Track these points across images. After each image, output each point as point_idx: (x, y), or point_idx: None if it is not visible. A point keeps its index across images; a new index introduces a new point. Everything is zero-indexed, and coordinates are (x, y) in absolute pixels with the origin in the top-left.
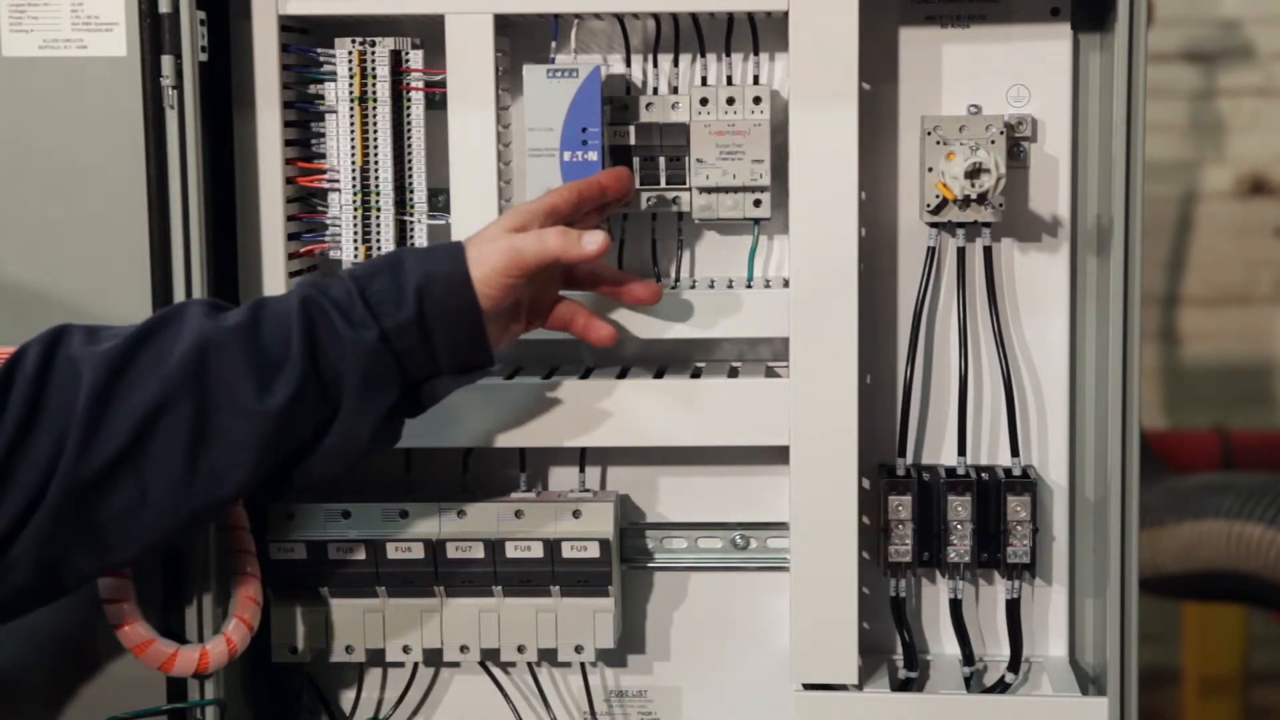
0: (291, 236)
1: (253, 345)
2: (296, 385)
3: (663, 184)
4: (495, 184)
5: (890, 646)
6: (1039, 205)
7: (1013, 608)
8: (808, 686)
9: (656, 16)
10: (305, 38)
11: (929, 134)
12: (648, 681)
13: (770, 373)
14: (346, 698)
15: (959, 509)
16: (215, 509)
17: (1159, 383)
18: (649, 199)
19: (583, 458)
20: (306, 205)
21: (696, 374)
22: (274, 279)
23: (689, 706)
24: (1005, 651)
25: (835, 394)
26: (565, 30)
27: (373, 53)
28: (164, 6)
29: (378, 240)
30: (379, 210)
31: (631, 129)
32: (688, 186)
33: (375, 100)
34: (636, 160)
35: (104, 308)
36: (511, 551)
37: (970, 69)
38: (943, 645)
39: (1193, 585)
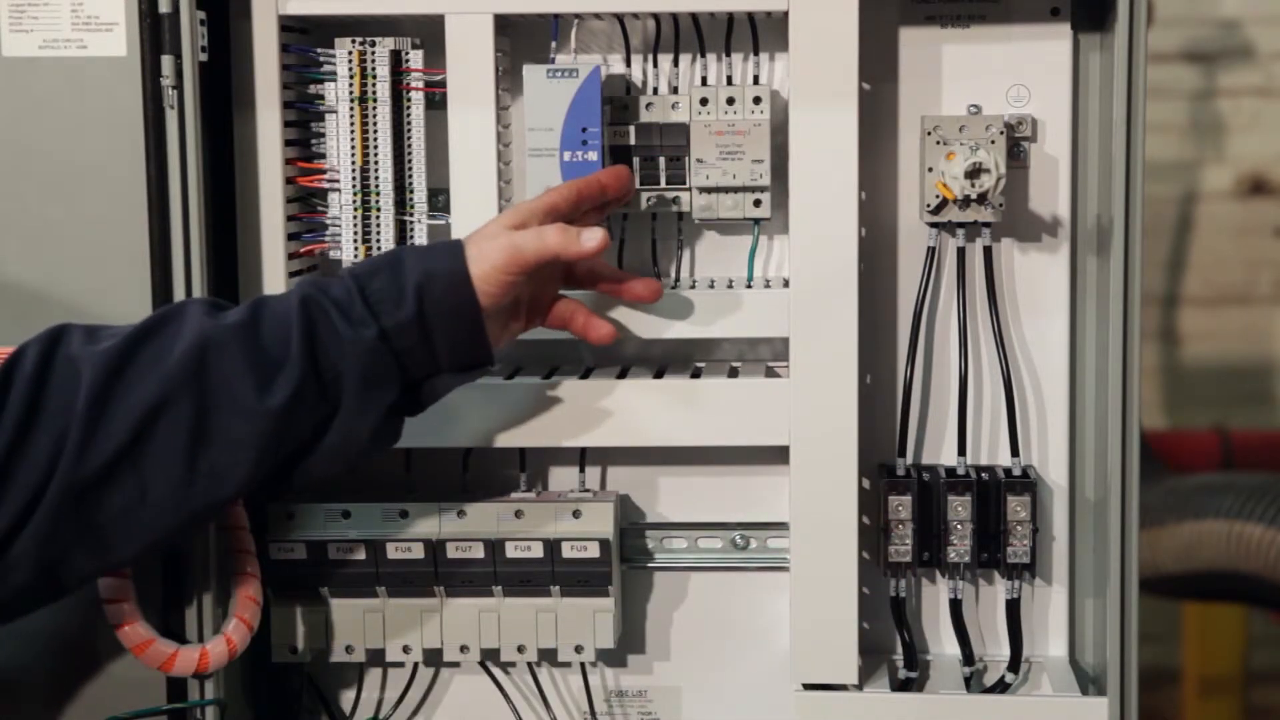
0: (291, 236)
1: (252, 344)
2: (296, 384)
3: (663, 184)
4: (495, 184)
5: (890, 646)
6: (1039, 205)
7: (1013, 608)
8: (808, 686)
9: (656, 16)
10: (305, 38)
11: (929, 134)
12: (648, 681)
13: (770, 373)
14: (346, 698)
15: (959, 509)
16: (215, 508)
17: (1159, 383)
18: (649, 199)
19: (583, 458)
20: (306, 205)
21: (696, 374)
22: (274, 279)
23: (689, 706)
24: (1005, 651)
25: (835, 394)
26: (565, 30)
27: (373, 53)
28: (164, 6)
29: (378, 240)
30: (379, 210)
31: (631, 129)
32: (688, 186)
33: (375, 100)
34: (636, 160)
35: (104, 308)
36: (511, 551)
37: (970, 69)
38: (943, 645)
39: (1193, 585)
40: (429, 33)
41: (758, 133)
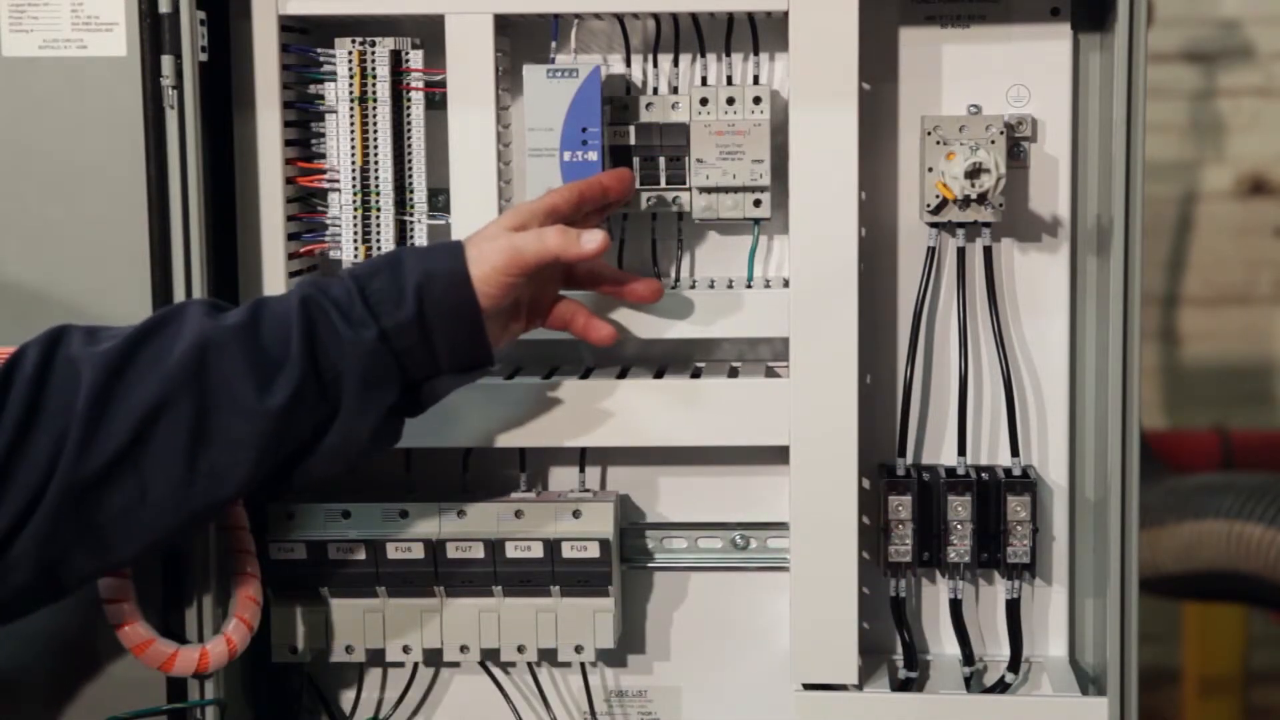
0: (291, 236)
1: (252, 345)
2: (296, 384)
3: (663, 184)
4: (495, 184)
5: (890, 646)
6: (1039, 205)
7: (1013, 608)
8: (808, 686)
9: (656, 16)
10: (305, 38)
11: (929, 134)
12: (648, 681)
13: (770, 373)
14: (346, 698)
15: (959, 509)
16: (215, 509)
17: (1159, 383)
18: (649, 199)
19: (583, 458)
20: (306, 205)
21: (696, 374)
22: (274, 279)
23: (689, 706)
24: (1005, 651)
25: (835, 394)
26: (565, 30)
27: (373, 53)
28: (164, 6)
29: (378, 240)
30: (379, 210)
31: (631, 129)
32: (688, 186)
33: (375, 100)
34: (636, 160)
35: (104, 308)
36: (511, 551)
37: (970, 69)
38: (943, 645)
39: (1193, 585)
40: (429, 33)
41: (758, 133)
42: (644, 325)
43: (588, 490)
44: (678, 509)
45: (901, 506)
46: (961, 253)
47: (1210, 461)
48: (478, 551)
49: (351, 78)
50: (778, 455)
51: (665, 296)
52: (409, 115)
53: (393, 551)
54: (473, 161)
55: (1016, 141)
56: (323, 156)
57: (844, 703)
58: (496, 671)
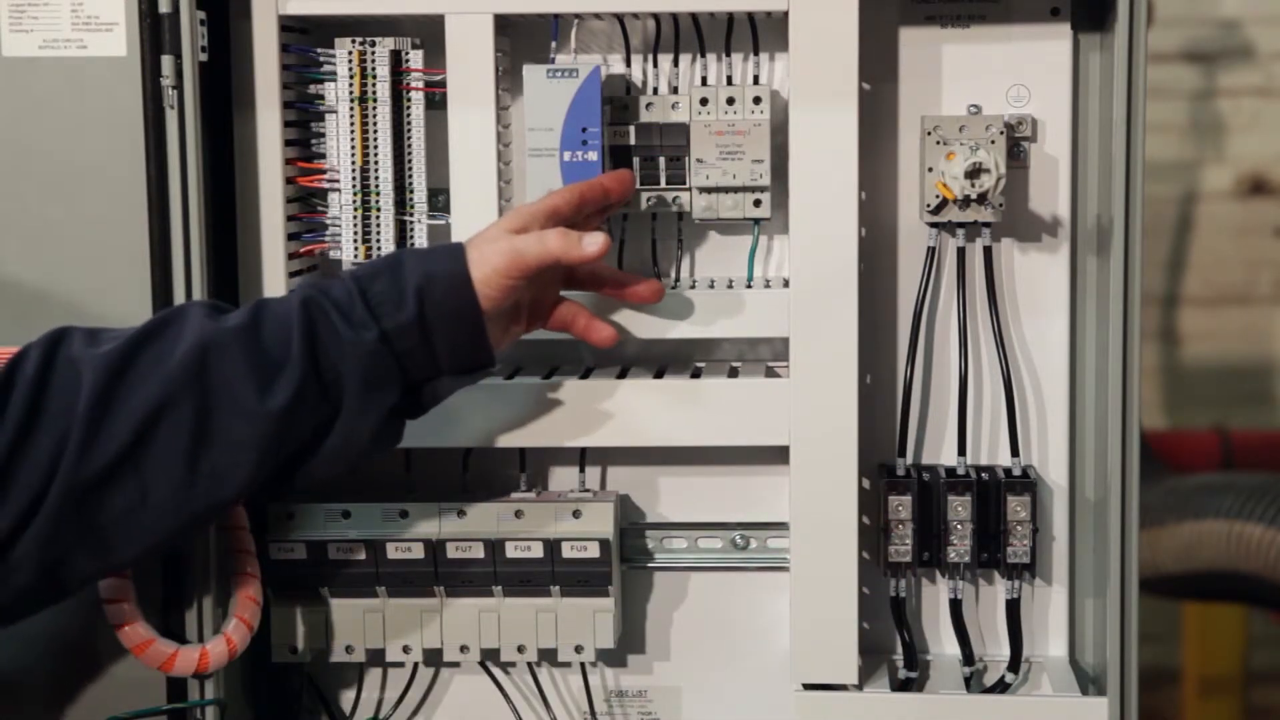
0: (291, 236)
1: (253, 346)
2: (297, 386)
3: (663, 184)
4: (495, 184)
5: (890, 646)
6: (1039, 205)
7: (1013, 608)
8: (808, 686)
9: (656, 16)
10: (305, 38)
11: (929, 134)
12: (648, 681)
13: (770, 373)
14: (346, 698)
15: (959, 509)
16: (217, 510)
17: (1159, 383)
18: (649, 199)
19: (583, 458)
20: (306, 205)
21: (697, 374)
22: (274, 279)
23: (689, 706)
24: (1005, 651)
25: (835, 394)
26: (565, 30)
27: (373, 53)
28: (164, 6)
29: (378, 240)
30: (379, 210)
31: (631, 129)
32: (688, 186)
33: (375, 100)
34: (636, 160)
35: (104, 308)
36: (511, 551)
37: (970, 69)
38: (943, 645)
39: (1193, 585)
40: (429, 33)
41: (758, 133)
42: (644, 326)
43: (588, 490)
44: (678, 509)
45: (901, 506)
46: (961, 253)
47: (1210, 461)
48: (478, 551)
49: (351, 78)
50: (778, 455)
51: (665, 297)
52: (409, 115)
53: (393, 551)
54: (473, 161)
55: (1016, 141)
56: (323, 156)
57: (844, 703)
58: (496, 671)
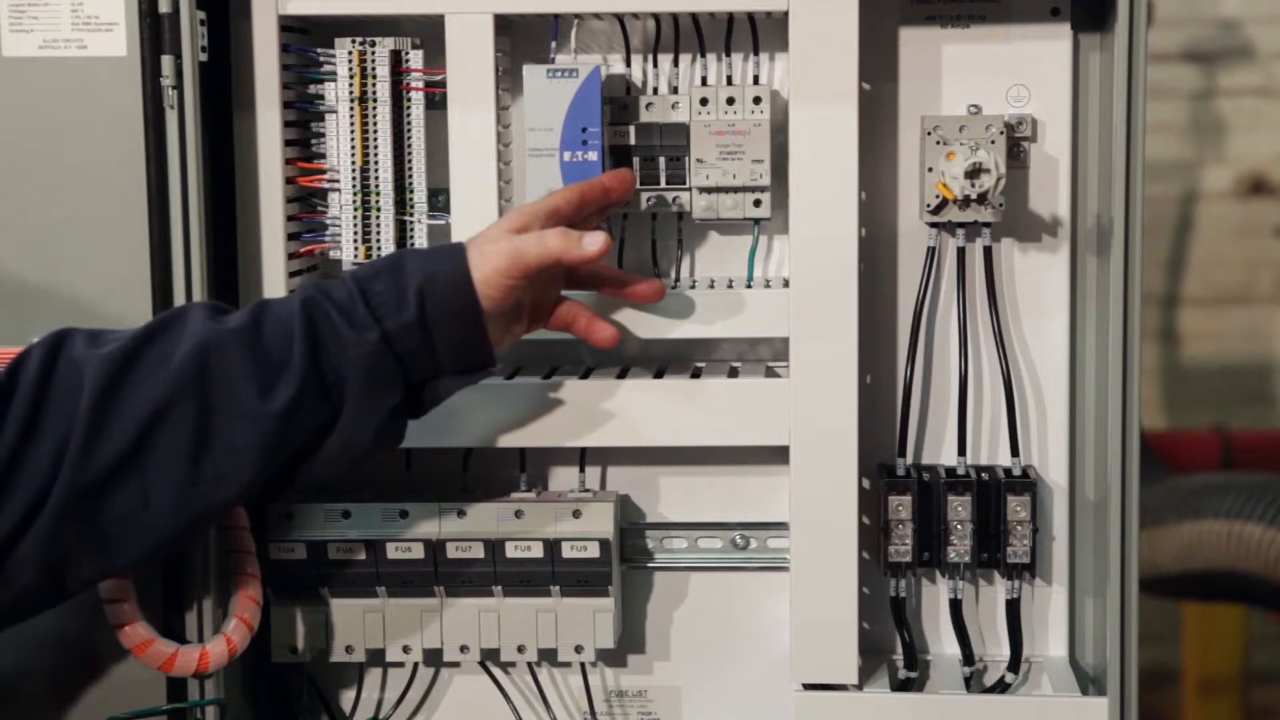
0: (291, 236)
1: (254, 347)
2: (298, 387)
3: (663, 184)
4: (495, 184)
5: (890, 646)
6: (1039, 205)
7: (1013, 608)
8: (808, 686)
9: (656, 16)
10: (305, 38)
11: (929, 134)
12: (648, 681)
13: (770, 373)
14: (346, 698)
15: (959, 509)
16: (219, 511)
17: (1159, 383)
18: (649, 199)
19: (583, 458)
20: (306, 205)
21: (697, 374)
22: (274, 279)
23: (689, 706)
24: (1005, 651)
25: (835, 394)
26: (565, 30)
27: (373, 53)
28: (164, 6)
29: (378, 240)
30: (379, 210)
31: (631, 129)
32: (688, 186)
33: (375, 100)
34: (636, 160)
35: (104, 308)
36: (511, 551)
37: (970, 69)
38: (943, 645)
39: (1193, 585)
40: (429, 33)
41: (758, 133)
42: (644, 325)
43: (588, 490)
44: (678, 509)
45: (901, 506)
46: (961, 253)
47: (1210, 461)
48: (478, 551)
49: (351, 78)
50: (778, 455)
51: (666, 297)
52: (409, 115)
53: (393, 551)
54: (473, 161)
55: (1016, 141)
56: (323, 156)
57: (844, 703)
58: (496, 671)
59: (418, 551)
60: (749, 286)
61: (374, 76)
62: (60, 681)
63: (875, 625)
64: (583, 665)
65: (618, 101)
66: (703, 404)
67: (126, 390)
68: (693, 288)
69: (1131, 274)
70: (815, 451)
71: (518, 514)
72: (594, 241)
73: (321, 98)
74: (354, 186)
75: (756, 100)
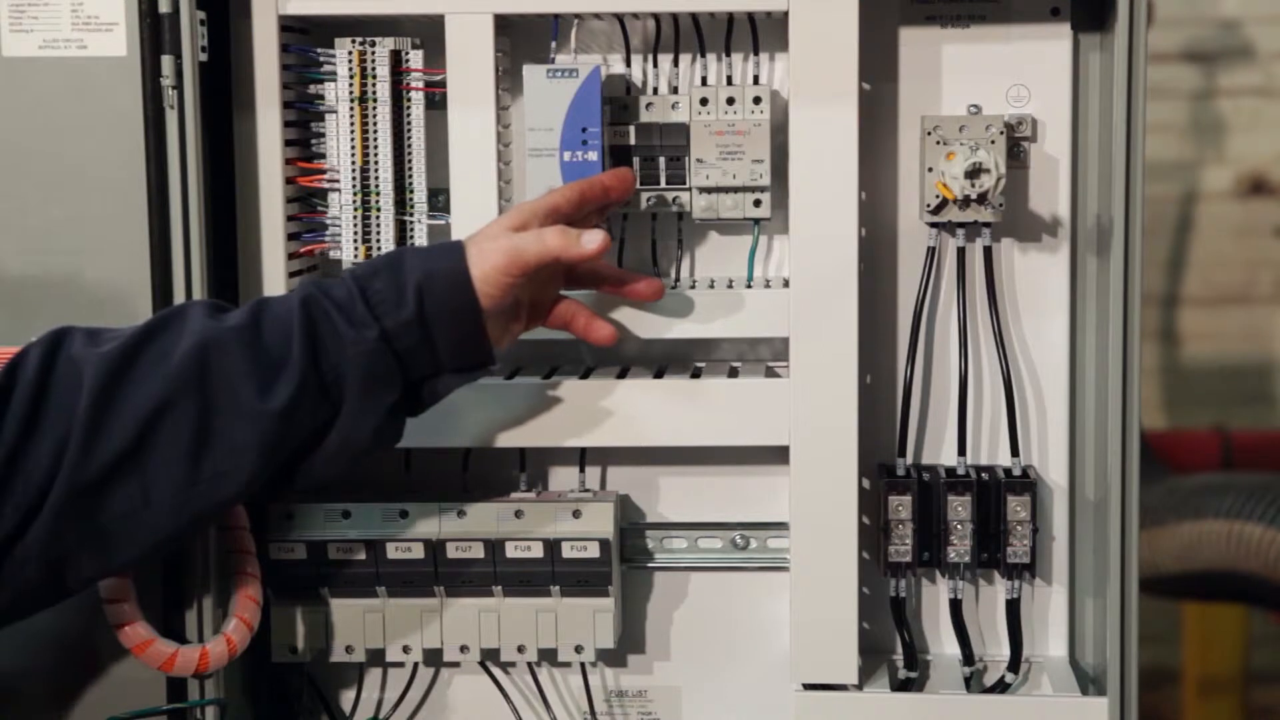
0: (291, 236)
1: (254, 345)
2: (298, 385)
3: (663, 184)
4: (495, 184)
5: (890, 646)
6: (1039, 205)
7: (1013, 608)
8: (808, 686)
9: (656, 16)
10: (305, 38)
11: (929, 134)
12: (648, 681)
13: (770, 373)
14: (346, 698)
15: (959, 509)
16: (219, 510)
17: (1159, 383)
18: (649, 199)
19: (583, 458)
20: (306, 205)
21: (696, 374)
22: (274, 279)
23: (689, 706)
24: (1005, 651)
25: (835, 394)
26: (565, 30)
27: (373, 53)
28: (164, 6)
29: (378, 240)
30: (379, 210)
31: (631, 129)
32: (688, 186)
33: (375, 100)
34: (636, 160)
35: (104, 308)
36: (511, 551)
37: (970, 69)
38: (943, 645)
39: (1193, 585)
40: (429, 33)
41: (758, 133)
42: (644, 325)
43: (588, 490)
44: (678, 509)
45: (901, 506)
46: (961, 253)
47: (1210, 461)
48: (478, 551)
49: (351, 78)
50: (778, 455)
51: (666, 296)
52: (409, 115)
53: (393, 551)
54: (473, 161)
55: (1016, 141)
56: (323, 156)
57: (844, 703)
58: (496, 671)
59: (418, 551)
60: (749, 286)
61: (374, 76)
62: (60, 681)
63: (875, 625)
64: (583, 665)
65: (618, 101)
66: (703, 404)
67: (126, 388)
68: (692, 287)
69: (1131, 274)
70: (815, 451)
71: (518, 514)
72: (593, 240)
73: (321, 98)
74: (354, 186)
75: (756, 100)
